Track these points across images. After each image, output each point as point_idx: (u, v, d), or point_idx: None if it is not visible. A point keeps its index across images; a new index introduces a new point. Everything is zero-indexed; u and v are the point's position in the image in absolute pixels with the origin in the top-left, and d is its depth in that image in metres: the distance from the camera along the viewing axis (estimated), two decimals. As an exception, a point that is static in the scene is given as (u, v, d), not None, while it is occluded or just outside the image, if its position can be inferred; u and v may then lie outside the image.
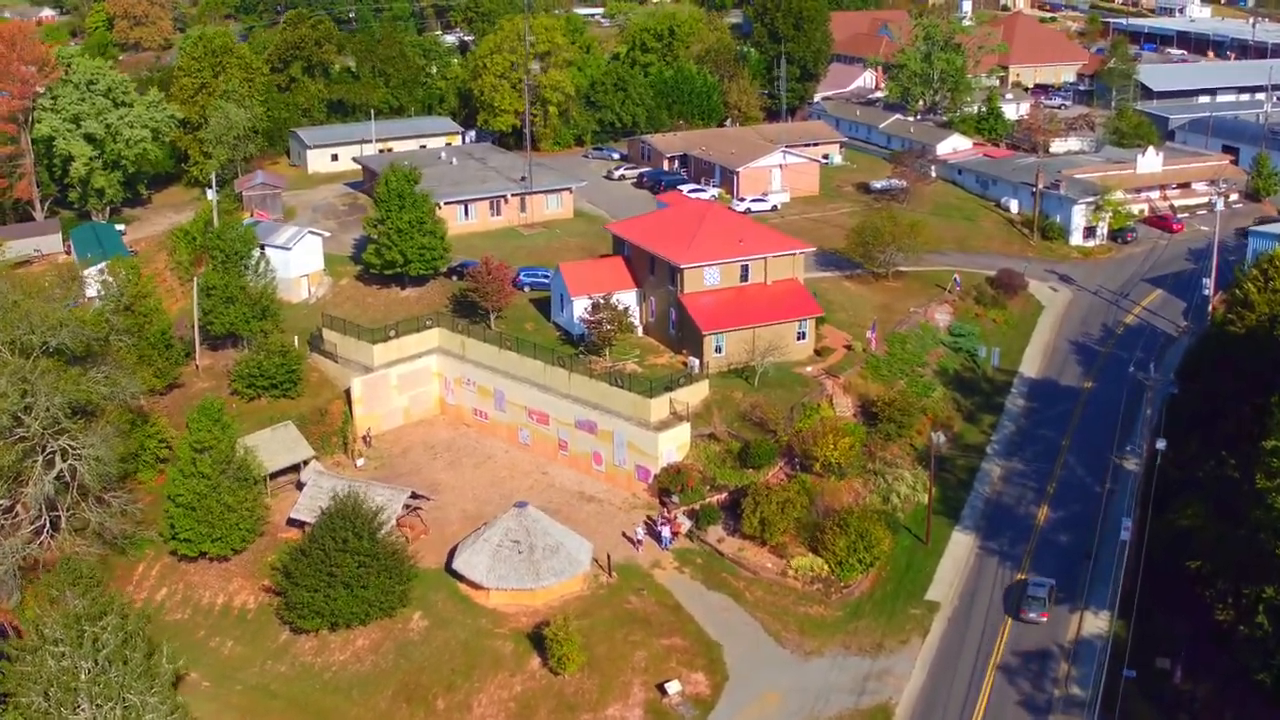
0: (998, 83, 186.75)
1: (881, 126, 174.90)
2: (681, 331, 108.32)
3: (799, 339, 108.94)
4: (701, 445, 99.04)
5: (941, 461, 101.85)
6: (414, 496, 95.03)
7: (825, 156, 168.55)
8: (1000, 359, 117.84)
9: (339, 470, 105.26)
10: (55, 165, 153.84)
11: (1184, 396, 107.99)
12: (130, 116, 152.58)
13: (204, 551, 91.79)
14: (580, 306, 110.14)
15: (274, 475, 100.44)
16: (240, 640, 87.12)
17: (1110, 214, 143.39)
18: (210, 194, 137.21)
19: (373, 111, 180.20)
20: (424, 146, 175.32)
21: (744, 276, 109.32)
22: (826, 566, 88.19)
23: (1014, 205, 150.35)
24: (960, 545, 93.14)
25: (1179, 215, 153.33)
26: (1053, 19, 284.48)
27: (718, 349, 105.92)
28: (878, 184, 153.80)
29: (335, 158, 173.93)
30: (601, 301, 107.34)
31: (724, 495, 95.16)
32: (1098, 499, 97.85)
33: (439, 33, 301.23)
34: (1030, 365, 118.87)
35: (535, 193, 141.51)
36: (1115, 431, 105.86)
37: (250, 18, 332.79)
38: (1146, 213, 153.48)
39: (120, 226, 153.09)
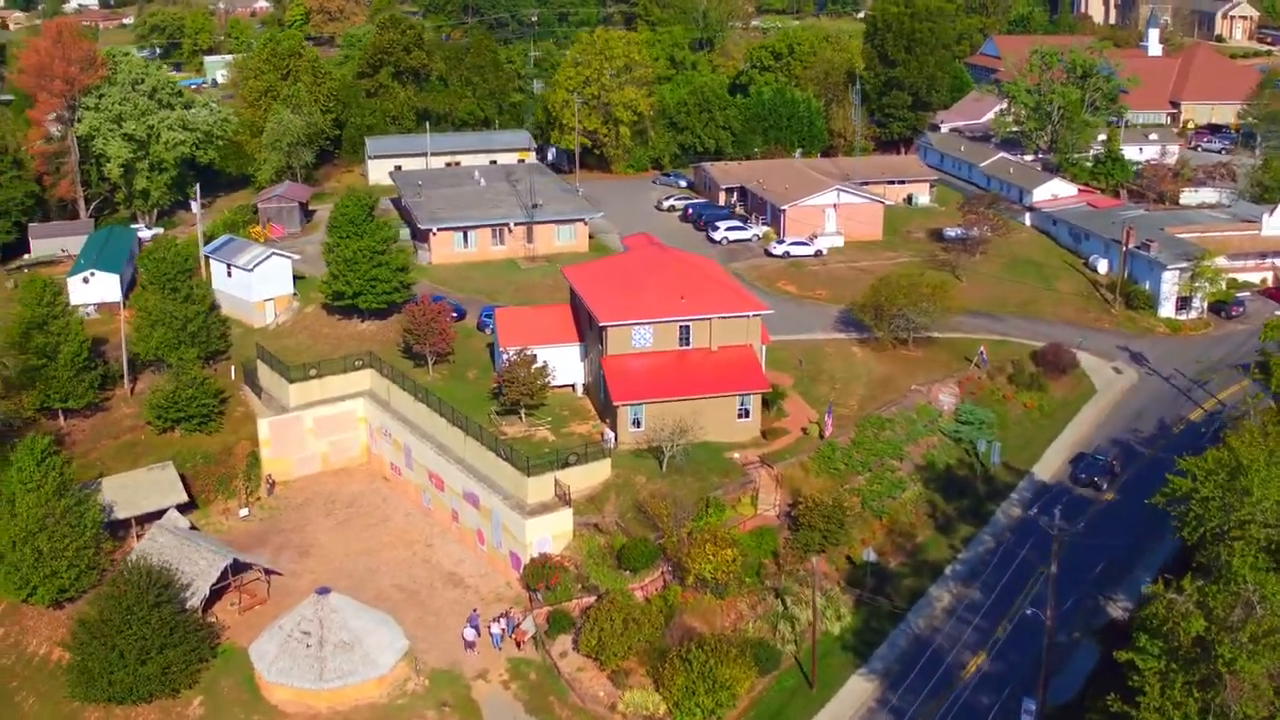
0: (1123, 120, 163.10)
1: (982, 165, 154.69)
2: (605, 398, 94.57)
3: (740, 417, 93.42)
4: (585, 536, 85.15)
5: (882, 580, 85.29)
6: (236, 565, 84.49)
7: (908, 198, 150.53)
8: (1006, 455, 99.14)
9: (224, 519, 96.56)
10: (105, 165, 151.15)
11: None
12: (172, 119, 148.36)
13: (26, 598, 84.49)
14: (506, 358, 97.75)
15: (142, 519, 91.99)
16: (42, 698, 79.06)
17: (1210, 283, 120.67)
18: (195, 206, 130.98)
19: (428, 123, 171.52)
20: (494, 163, 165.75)
21: (685, 339, 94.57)
22: (664, 706, 73.17)
23: (1103, 266, 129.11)
24: (854, 694, 76.34)
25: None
26: (1268, 52, 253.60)
27: (636, 422, 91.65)
28: (951, 231, 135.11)
29: (399, 169, 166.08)
30: (516, 356, 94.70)
31: (593, 599, 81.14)
32: (1059, 651, 78.95)
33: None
34: (1047, 466, 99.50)
35: (542, 222, 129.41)
36: (1118, 563, 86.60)
37: (438, 17, 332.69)
38: (1269, 283, 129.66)
39: (155, 230, 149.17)
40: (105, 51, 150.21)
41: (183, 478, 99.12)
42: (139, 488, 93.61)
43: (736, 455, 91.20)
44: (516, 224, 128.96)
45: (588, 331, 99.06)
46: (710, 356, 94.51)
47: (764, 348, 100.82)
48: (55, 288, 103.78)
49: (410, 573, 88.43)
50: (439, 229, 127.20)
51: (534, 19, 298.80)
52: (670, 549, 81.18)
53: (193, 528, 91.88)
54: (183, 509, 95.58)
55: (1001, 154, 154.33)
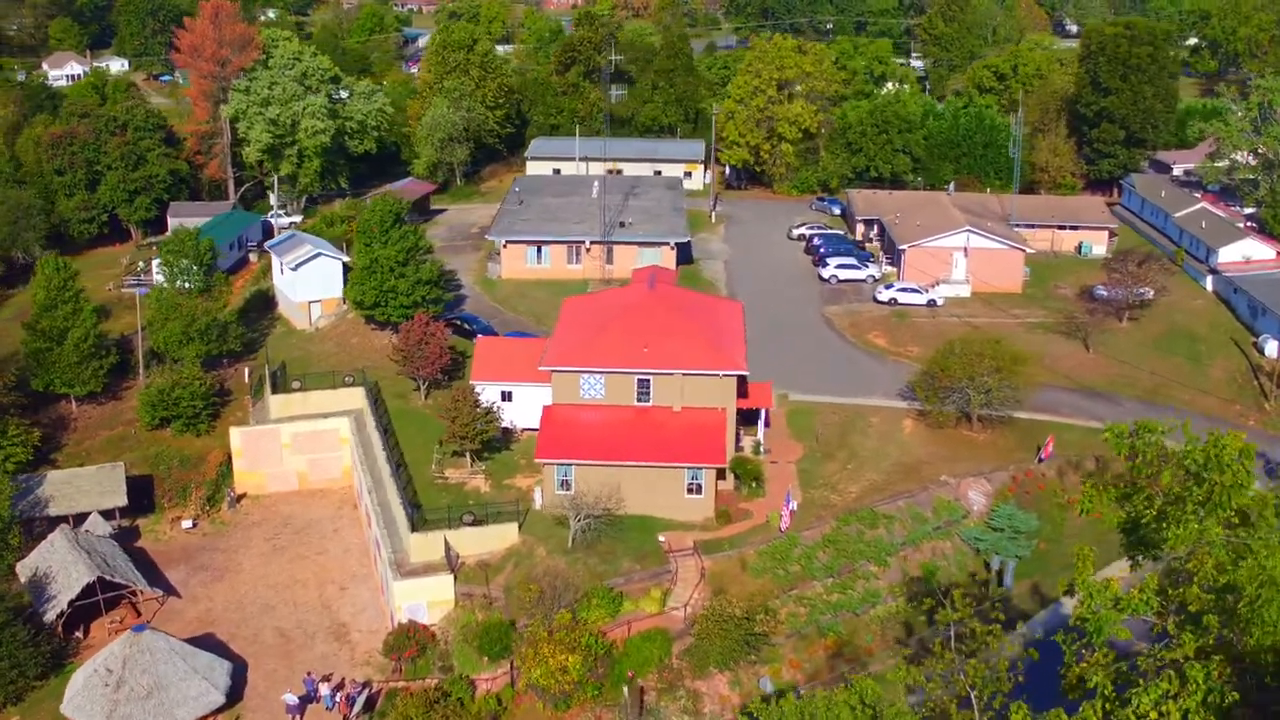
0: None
1: (1176, 215, 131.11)
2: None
3: (690, 493, 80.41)
4: (466, 609, 75.16)
5: (798, 711, 70.66)
6: (103, 583, 79.11)
7: (1079, 246, 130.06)
8: (1040, 575, 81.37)
9: (169, 528, 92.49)
10: (245, 149, 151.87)
11: None
12: (315, 106, 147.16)
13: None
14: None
15: (78, 520, 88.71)
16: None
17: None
18: (272, 198, 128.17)
19: (577, 127, 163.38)
20: (658, 173, 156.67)
21: (645, 395, 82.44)
22: (440, 830, 62.59)
23: (1271, 348, 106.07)
24: None
25: None
26: None
27: (564, 484, 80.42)
28: (1101, 290, 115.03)
29: (558, 171, 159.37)
30: (460, 394, 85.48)
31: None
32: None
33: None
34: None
35: (620, 242, 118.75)
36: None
37: (738, 19, 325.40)
38: None
39: (294, 218, 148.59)
40: (264, 34, 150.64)
41: (152, 479, 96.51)
42: (81, 486, 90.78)
43: (662, 538, 78.43)
44: (593, 242, 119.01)
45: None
46: (672, 418, 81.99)
47: (764, 411, 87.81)
48: (70, 270, 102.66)
49: (302, 617, 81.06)
50: (507, 241, 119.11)
51: (829, 26, 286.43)
52: (519, 645, 70.04)
53: (115, 535, 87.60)
54: (139, 513, 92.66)
55: (1203, 204, 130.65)
